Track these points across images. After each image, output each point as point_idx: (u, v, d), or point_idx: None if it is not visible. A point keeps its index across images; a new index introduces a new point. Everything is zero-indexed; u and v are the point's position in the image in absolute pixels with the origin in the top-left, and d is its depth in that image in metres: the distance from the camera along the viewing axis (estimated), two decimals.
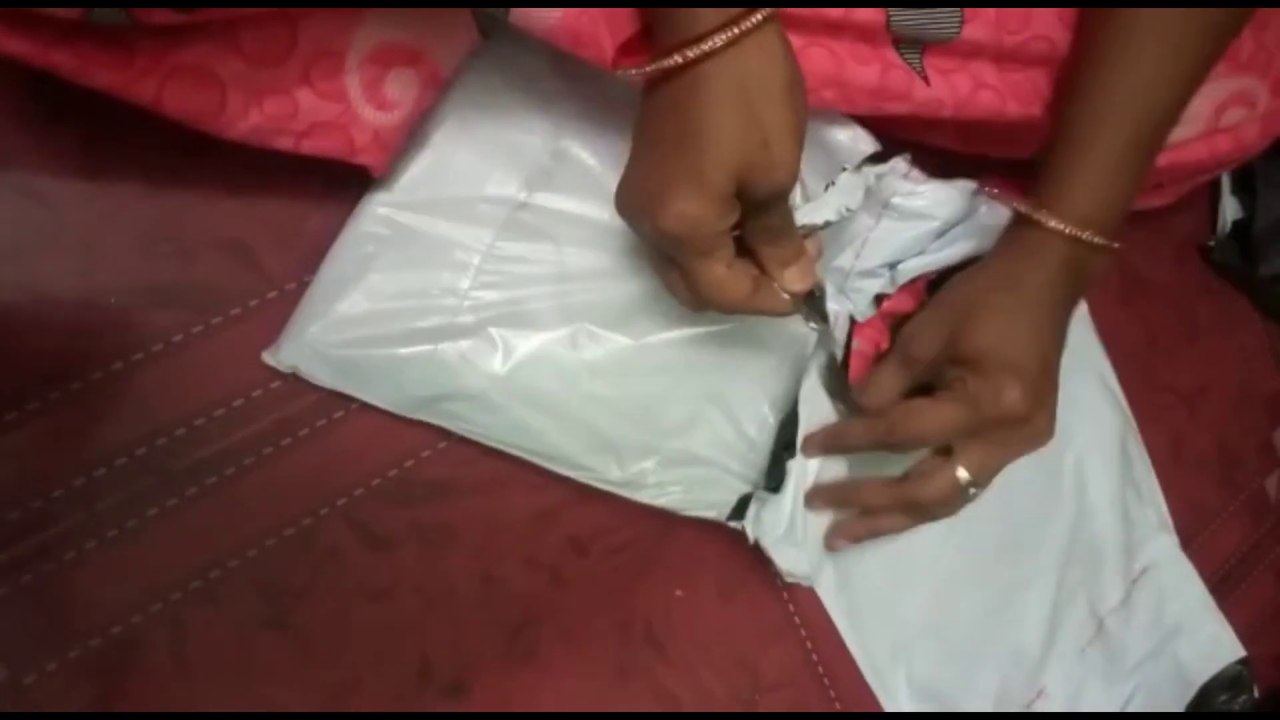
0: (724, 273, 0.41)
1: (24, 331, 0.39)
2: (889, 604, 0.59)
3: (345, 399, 0.45)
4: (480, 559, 0.48)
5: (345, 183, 0.44)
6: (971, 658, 0.62)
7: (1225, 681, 0.72)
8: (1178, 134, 0.54)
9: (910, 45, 0.46)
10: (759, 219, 0.41)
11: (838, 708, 0.57)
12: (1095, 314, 0.68)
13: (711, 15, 0.36)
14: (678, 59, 0.36)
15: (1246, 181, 0.74)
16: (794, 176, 0.40)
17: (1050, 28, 0.48)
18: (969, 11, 0.46)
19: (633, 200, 0.41)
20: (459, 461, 0.47)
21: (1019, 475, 0.58)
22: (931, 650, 0.60)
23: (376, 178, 0.43)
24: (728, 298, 0.42)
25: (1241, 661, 0.72)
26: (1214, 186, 0.75)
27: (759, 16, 0.36)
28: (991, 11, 0.47)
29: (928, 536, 0.58)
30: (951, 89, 0.48)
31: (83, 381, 0.40)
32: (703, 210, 0.39)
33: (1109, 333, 0.69)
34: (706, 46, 0.36)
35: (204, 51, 0.35)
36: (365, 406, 0.45)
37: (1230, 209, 0.74)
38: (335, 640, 0.44)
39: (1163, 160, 0.54)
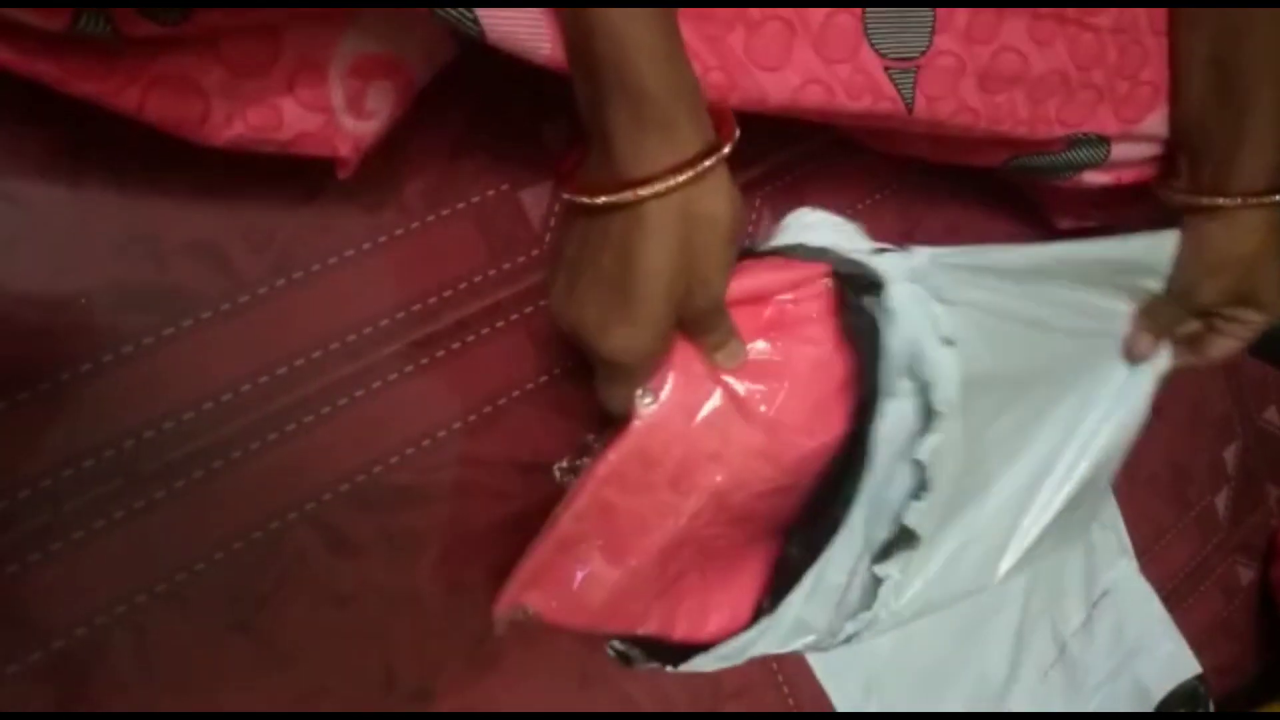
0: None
1: None
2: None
3: (315, 402, 0.45)
4: (446, 565, 0.48)
5: (320, 188, 0.45)
6: (939, 687, 0.63)
7: (1182, 696, 0.74)
8: (1143, 151, 0.56)
9: (902, 69, 0.47)
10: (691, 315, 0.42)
11: (786, 693, 0.58)
12: None
13: (665, 153, 0.36)
14: (630, 196, 0.36)
15: None
16: (723, 293, 0.41)
17: (1020, 41, 0.49)
18: (940, 20, 0.47)
19: (570, 320, 0.41)
20: (428, 468, 0.48)
21: None
22: (901, 682, 0.61)
23: (343, 178, 0.43)
24: None
25: (1197, 677, 0.74)
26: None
27: (711, 160, 0.36)
28: (961, 20, 0.48)
29: None
30: (932, 114, 0.49)
31: (51, 382, 0.40)
32: (642, 344, 0.40)
33: None
34: (660, 187, 0.36)
35: (187, 62, 0.36)
36: (335, 411, 0.45)
37: None
38: (300, 645, 0.44)
39: (1130, 176, 0.56)
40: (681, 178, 0.36)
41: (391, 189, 0.47)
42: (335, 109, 0.41)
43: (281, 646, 0.44)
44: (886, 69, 0.46)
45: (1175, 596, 0.76)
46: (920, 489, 0.48)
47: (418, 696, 0.47)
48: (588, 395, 0.51)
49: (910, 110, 0.47)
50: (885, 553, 0.50)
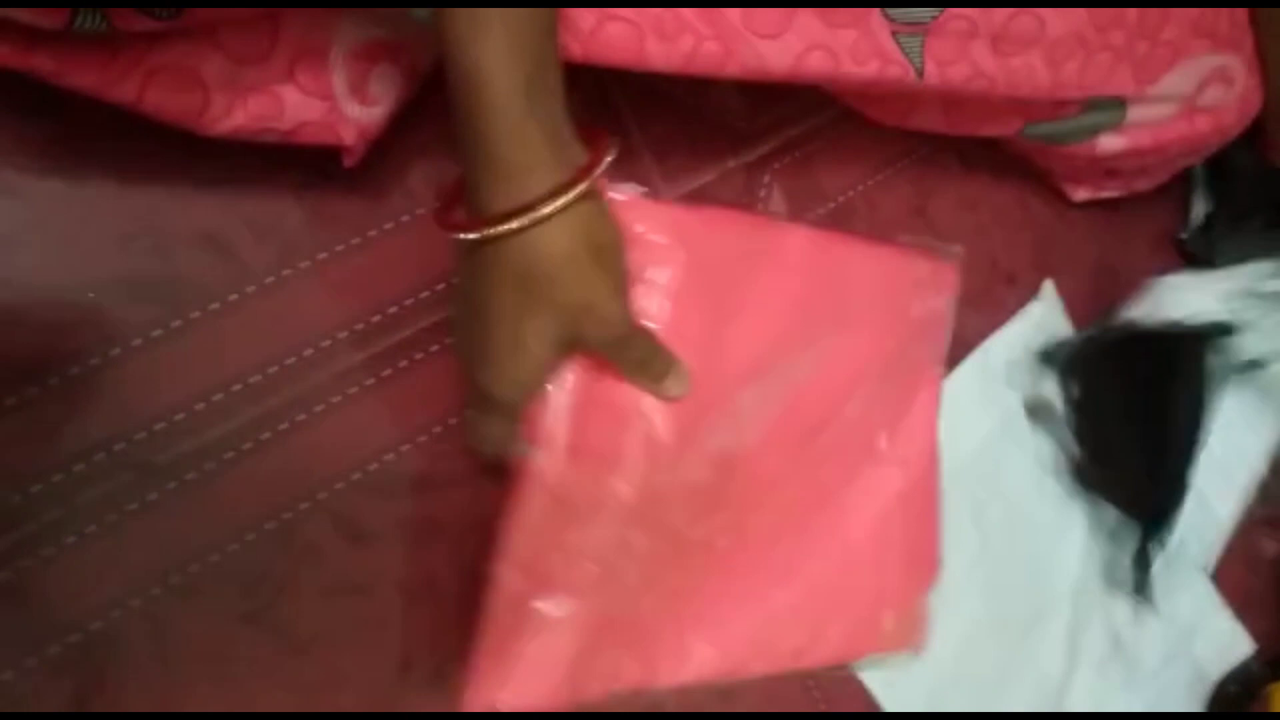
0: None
1: (1, 327, 0.39)
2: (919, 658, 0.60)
3: (326, 391, 0.45)
4: (461, 552, 0.48)
5: (324, 175, 0.44)
6: (998, 697, 0.63)
7: (1238, 676, 0.73)
8: (1159, 113, 0.55)
9: (910, 33, 0.46)
10: (619, 356, 0.42)
11: (816, 698, 0.57)
12: (1067, 303, 0.69)
13: (536, 182, 0.35)
14: (472, 236, 0.36)
15: (1218, 175, 0.75)
16: (627, 323, 0.41)
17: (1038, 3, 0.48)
18: None
19: (464, 354, 0.41)
20: (439, 455, 0.47)
21: (1031, 511, 0.60)
22: (961, 697, 0.61)
23: (349, 166, 0.43)
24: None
25: (1252, 655, 0.73)
26: (1187, 180, 0.76)
27: (585, 185, 0.36)
28: None
29: (950, 584, 0.59)
30: (944, 80, 0.48)
31: (61, 377, 0.40)
32: (524, 379, 0.40)
33: (1083, 323, 0.69)
34: (492, 231, 0.36)
35: (184, 52, 0.35)
36: (346, 399, 0.45)
37: (1202, 202, 0.75)
38: (315, 634, 0.44)
39: (1146, 140, 0.55)
40: (514, 224, 0.35)
41: (396, 175, 0.47)
42: (337, 95, 0.40)
43: (297, 635, 0.44)
44: (894, 33, 0.46)
45: None
46: None
47: (433, 682, 0.47)
48: None
49: (920, 76, 0.47)
50: None
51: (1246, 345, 0.64)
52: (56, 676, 0.40)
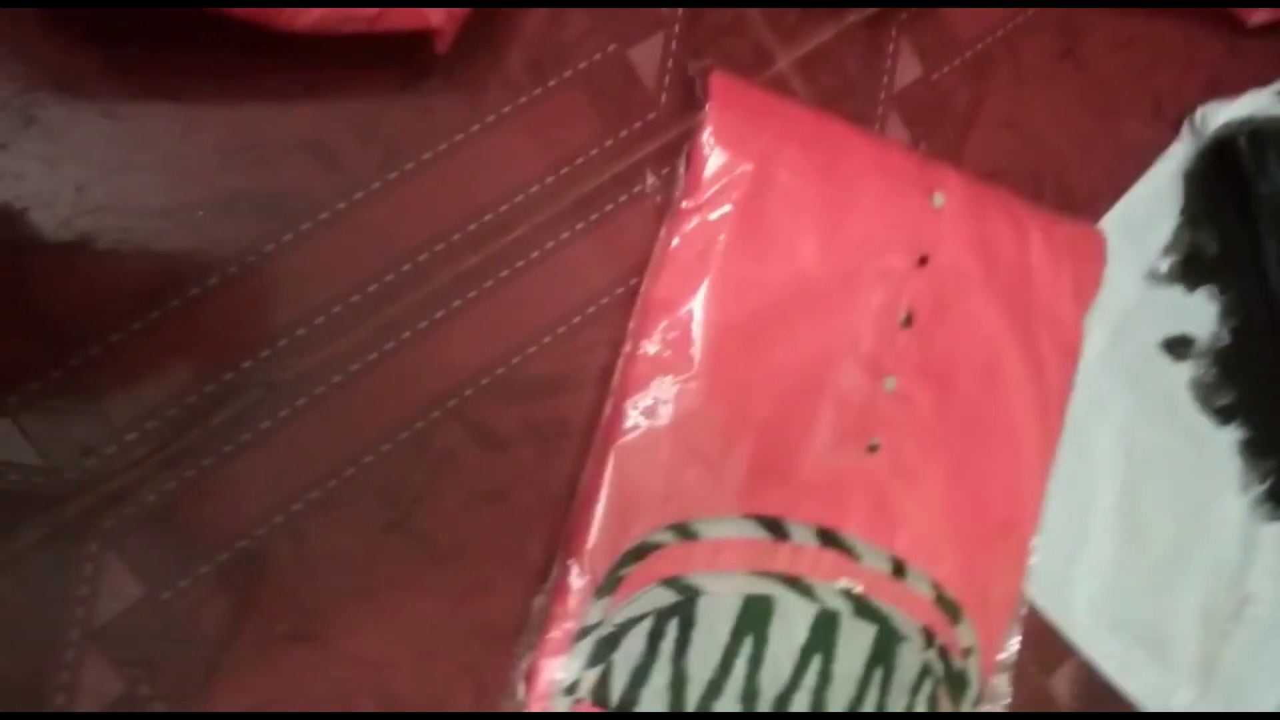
0: None
1: (118, 252, 0.39)
2: (1075, 537, 0.56)
3: (445, 297, 0.44)
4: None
5: (420, 72, 0.43)
6: (1170, 584, 0.58)
7: None
8: None
9: None
10: None
11: None
12: None
13: None
14: None
15: None
16: None
17: None
18: None
19: None
20: (564, 356, 0.46)
21: None
22: (1130, 586, 0.57)
23: (441, 52, 0.41)
24: None
25: None
26: None
27: None
28: None
29: (1107, 467, 0.56)
30: None
31: (181, 298, 0.40)
32: None
33: None
34: None
35: None
36: (465, 304, 0.44)
37: None
38: (458, 542, 0.44)
39: None
40: None
41: (493, 64, 0.44)
42: None
43: (439, 544, 0.43)
44: None
45: None
46: None
47: None
48: None
49: None
50: None
51: None
52: (212, 595, 0.40)
